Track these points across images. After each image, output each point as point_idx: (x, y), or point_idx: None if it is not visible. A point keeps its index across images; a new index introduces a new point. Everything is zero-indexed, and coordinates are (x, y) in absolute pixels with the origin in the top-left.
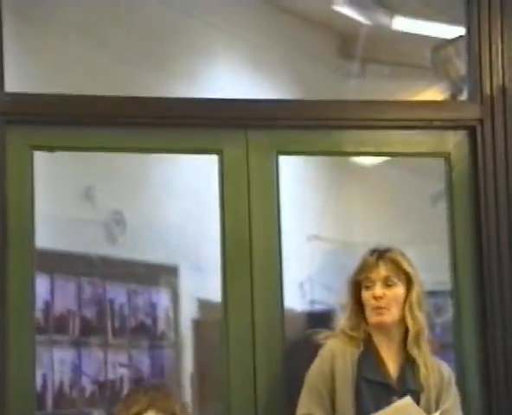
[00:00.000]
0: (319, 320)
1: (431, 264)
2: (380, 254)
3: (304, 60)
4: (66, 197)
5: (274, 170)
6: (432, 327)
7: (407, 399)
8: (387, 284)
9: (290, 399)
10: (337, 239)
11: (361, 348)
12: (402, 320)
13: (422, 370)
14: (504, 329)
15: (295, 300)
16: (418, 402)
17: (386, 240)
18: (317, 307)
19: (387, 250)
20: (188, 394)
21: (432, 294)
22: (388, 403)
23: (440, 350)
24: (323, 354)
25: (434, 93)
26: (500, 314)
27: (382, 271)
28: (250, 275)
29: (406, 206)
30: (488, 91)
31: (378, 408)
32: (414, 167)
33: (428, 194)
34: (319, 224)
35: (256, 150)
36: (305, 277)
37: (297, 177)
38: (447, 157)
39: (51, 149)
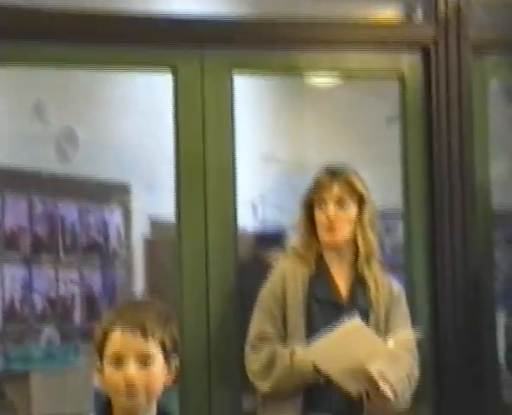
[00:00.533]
0: (271, 240)
1: (384, 185)
2: (333, 174)
3: None
4: (16, 113)
5: (229, 89)
6: (382, 247)
7: (355, 319)
8: (340, 204)
9: (242, 317)
10: (291, 159)
11: (313, 268)
12: (354, 240)
13: (372, 289)
14: (453, 251)
15: (247, 220)
16: (367, 320)
17: (340, 162)
18: (269, 227)
19: (341, 169)
20: None
21: (384, 215)
22: (339, 322)
23: (390, 271)
24: (275, 273)
25: (389, 13)
26: (449, 236)
27: (336, 191)
28: (204, 194)
29: (360, 128)
30: (443, 11)
31: (328, 327)
32: (369, 89)
33: (383, 116)
34: (273, 145)
35: (211, 69)
36: (258, 197)
37: (252, 98)
38: (401, 78)
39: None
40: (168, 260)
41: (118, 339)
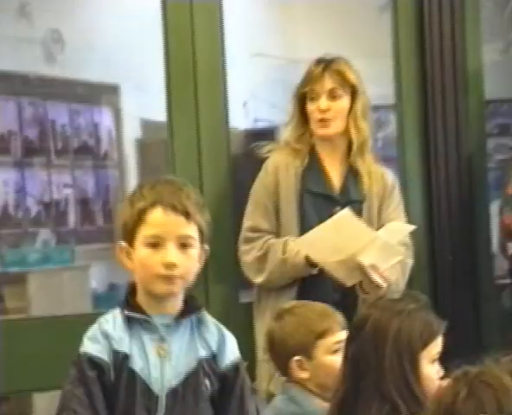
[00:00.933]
0: (263, 137)
1: (376, 77)
2: (325, 65)
3: None
4: (1, 15)
5: None
6: (374, 141)
7: (346, 211)
8: (333, 95)
9: (236, 214)
10: (281, 54)
11: (306, 161)
12: (347, 131)
13: (365, 179)
14: (446, 142)
15: (239, 118)
16: (360, 211)
17: (331, 54)
18: (261, 125)
19: (333, 60)
20: None
21: (376, 108)
22: (331, 215)
23: (383, 163)
24: (267, 167)
25: None
26: (442, 127)
27: (327, 82)
28: (194, 93)
29: (352, 19)
30: None
31: (321, 220)
32: None
33: (375, 5)
34: (263, 40)
35: None
36: (249, 95)
37: None
38: None
39: None
40: (160, 160)
41: (159, 219)
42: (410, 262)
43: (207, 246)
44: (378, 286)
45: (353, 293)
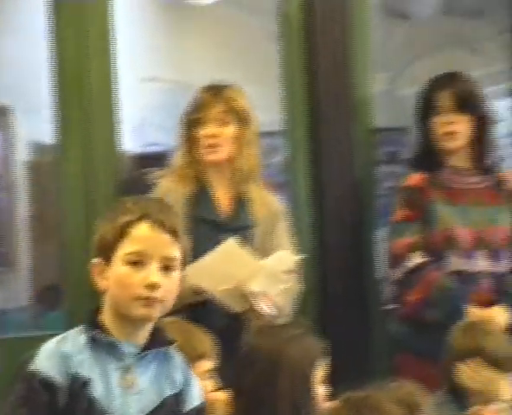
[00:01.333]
0: (155, 161)
1: (269, 104)
2: (215, 91)
3: None
4: None
5: (110, 7)
6: (267, 167)
7: (230, 241)
8: (222, 121)
9: None
10: (172, 79)
11: (194, 188)
12: (236, 157)
13: (254, 205)
14: (336, 169)
15: (130, 142)
16: (250, 237)
17: (222, 80)
18: (153, 148)
19: (223, 87)
20: (23, 237)
21: (268, 134)
22: (219, 241)
23: (274, 189)
24: (156, 194)
25: None
26: (331, 154)
27: (217, 108)
28: (86, 116)
29: (242, 45)
30: None
31: (209, 247)
32: (250, 5)
33: (265, 32)
34: (155, 64)
35: None
36: (140, 119)
37: (131, 16)
38: None
39: None
40: (51, 183)
41: (145, 235)
42: (297, 288)
43: (184, 272)
44: (265, 314)
45: (241, 319)
